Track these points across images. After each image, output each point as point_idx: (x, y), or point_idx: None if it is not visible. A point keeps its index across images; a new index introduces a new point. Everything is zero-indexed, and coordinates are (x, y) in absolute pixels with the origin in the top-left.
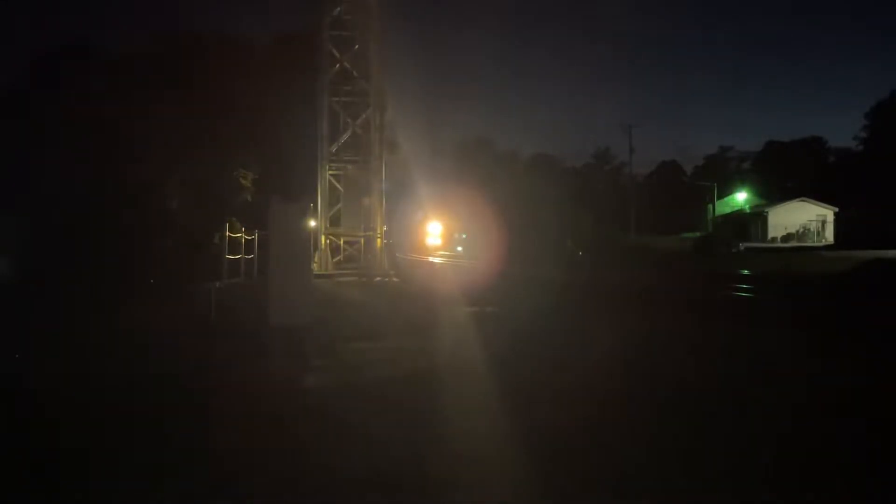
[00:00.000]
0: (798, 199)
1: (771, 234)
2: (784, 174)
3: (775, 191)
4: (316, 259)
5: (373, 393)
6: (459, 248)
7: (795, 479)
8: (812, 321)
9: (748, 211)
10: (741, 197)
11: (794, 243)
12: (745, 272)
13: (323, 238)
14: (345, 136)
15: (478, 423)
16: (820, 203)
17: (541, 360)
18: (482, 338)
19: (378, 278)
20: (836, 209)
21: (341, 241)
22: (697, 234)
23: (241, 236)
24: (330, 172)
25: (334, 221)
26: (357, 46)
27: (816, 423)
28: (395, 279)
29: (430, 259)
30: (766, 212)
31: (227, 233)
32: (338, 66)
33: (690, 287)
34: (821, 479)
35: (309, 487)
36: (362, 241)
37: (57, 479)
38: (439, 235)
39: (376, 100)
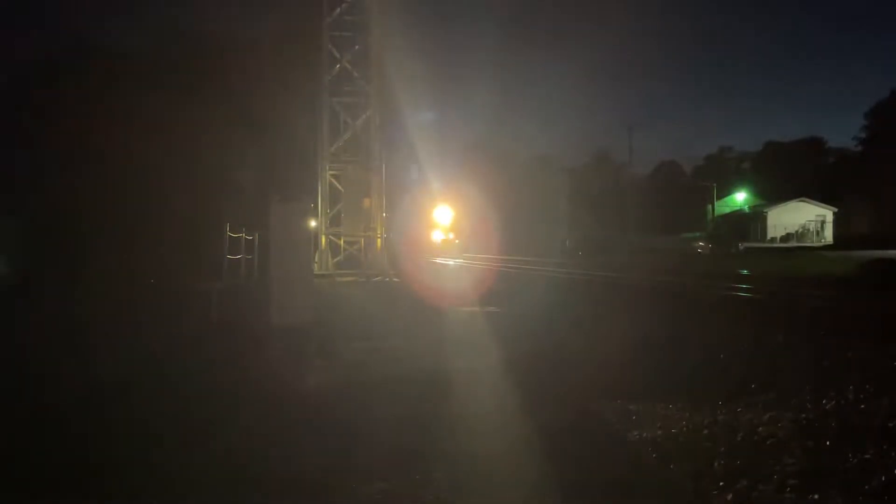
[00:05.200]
0: (797, 200)
1: (770, 234)
2: (783, 174)
3: (775, 191)
4: (316, 259)
5: (374, 392)
6: (453, 261)
7: None
8: None
9: (747, 211)
10: (740, 197)
11: (793, 243)
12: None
13: (323, 238)
14: (345, 136)
15: (479, 423)
16: (819, 203)
17: (544, 359)
18: (482, 338)
19: (378, 278)
20: (836, 209)
21: (341, 242)
22: (697, 234)
23: (241, 236)
24: (330, 172)
25: (334, 221)
26: (357, 47)
27: None
28: (395, 279)
29: (431, 260)
30: (766, 212)
31: (228, 233)
32: (338, 66)
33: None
34: None
35: (309, 487)
36: (362, 241)
37: (51, 479)
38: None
39: (376, 100)
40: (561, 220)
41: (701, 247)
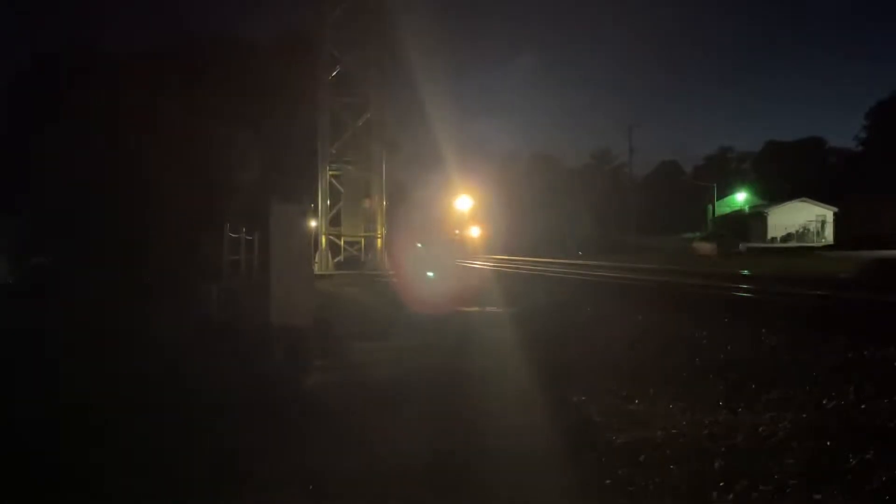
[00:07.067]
0: (798, 200)
1: (770, 234)
2: (784, 174)
3: (775, 191)
4: (316, 259)
5: (374, 392)
6: (456, 262)
7: None
8: None
9: (748, 211)
10: (741, 197)
11: (793, 243)
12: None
13: (323, 238)
14: (345, 136)
15: (480, 422)
16: (819, 203)
17: (543, 358)
18: (482, 338)
19: (378, 278)
20: (836, 209)
21: (341, 242)
22: (697, 234)
23: (241, 236)
24: (330, 173)
25: (334, 222)
26: (358, 47)
27: None
28: (394, 279)
29: (433, 261)
30: (766, 212)
31: (228, 233)
32: (338, 66)
33: None
34: None
35: (309, 487)
36: (362, 241)
37: (50, 477)
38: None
39: (377, 100)
40: (561, 220)
41: (703, 247)
